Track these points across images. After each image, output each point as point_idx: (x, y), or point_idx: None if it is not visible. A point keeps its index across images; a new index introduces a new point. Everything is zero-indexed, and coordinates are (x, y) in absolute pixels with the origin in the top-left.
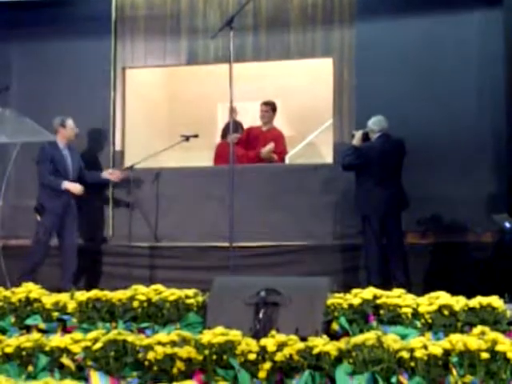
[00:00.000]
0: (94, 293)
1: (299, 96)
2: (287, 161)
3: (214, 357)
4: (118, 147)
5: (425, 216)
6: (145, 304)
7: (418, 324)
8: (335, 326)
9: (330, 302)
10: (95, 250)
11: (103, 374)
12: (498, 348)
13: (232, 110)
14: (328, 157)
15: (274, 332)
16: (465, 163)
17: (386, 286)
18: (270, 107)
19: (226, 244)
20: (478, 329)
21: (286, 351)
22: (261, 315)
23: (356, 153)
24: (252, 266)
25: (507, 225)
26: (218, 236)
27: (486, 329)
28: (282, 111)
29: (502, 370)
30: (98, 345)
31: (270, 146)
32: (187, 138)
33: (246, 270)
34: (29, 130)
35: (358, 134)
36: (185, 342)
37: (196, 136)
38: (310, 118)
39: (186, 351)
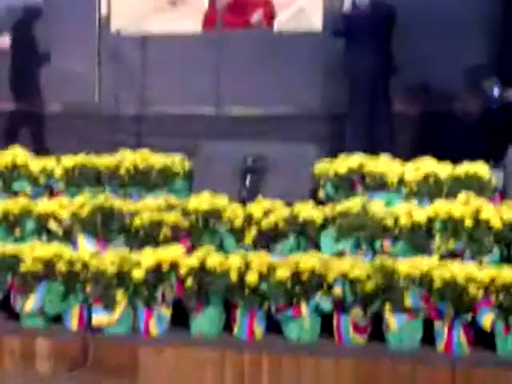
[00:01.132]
0: (81, 158)
1: None
2: (276, 27)
3: (201, 222)
4: (103, 11)
5: (413, 84)
6: (131, 170)
7: (404, 191)
8: (321, 193)
9: (317, 169)
10: (80, 114)
11: (90, 237)
12: (482, 215)
13: None
14: (317, 23)
15: (260, 198)
16: (454, 29)
17: (373, 152)
18: None
19: (214, 111)
20: (463, 196)
21: (272, 217)
22: (247, 181)
23: (344, 19)
24: (240, 133)
25: (495, 91)
26: (205, 103)
27: (471, 196)
28: None
29: (485, 237)
30: (85, 209)
31: (259, 13)
32: (174, 3)
33: (233, 137)
34: None
35: None
36: (171, 207)
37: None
38: None
39: (173, 216)
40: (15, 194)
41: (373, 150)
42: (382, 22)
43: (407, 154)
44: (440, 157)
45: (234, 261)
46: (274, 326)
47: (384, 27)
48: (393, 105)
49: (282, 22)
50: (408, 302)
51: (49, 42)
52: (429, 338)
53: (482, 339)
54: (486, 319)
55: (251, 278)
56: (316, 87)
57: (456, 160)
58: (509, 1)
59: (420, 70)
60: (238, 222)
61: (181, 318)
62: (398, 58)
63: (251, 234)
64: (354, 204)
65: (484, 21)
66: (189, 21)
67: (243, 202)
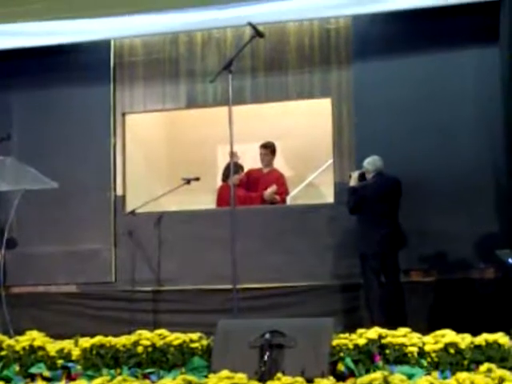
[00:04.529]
0: (98, 339)
1: (299, 137)
2: (288, 201)
3: None
4: (119, 192)
5: (427, 253)
6: (149, 349)
7: (425, 363)
8: (341, 367)
9: (335, 342)
10: (97, 295)
11: None
12: None
13: (232, 153)
14: (329, 196)
15: (279, 374)
16: (465, 200)
17: (389, 324)
18: (269, 150)
19: (229, 286)
20: (485, 366)
21: None
22: (266, 358)
23: (354, 194)
24: (255, 308)
25: (510, 261)
26: (220, 278)
27: (493, 366)
28: (282, 152)
29: None
30: None
31: (273, 188)
32: (188, 182)
33: (249, 312)
34: (30, 178)
35: (355, 175)
36: None
37: (197, 179)
38: (309, 158)
39: None
40: (32, 377)
41: (389, 322)
42: (387, 194)
43: (425, 323)
44: (458, 326)
45: None
46: None
47: (389, 199)
48: (408, 275)
49: (294, 197)
50: None
51: (65, 223)
52: None
53: None
54: None
55: None
56: (329, 259)
57: (475, 330)
58: None
59: (433, 240)
60: None
61: None
62: (410, 227)
63: None
64: (375, 377)
65: (494, 192)
66: (203, 198)
67: (262, 378)
